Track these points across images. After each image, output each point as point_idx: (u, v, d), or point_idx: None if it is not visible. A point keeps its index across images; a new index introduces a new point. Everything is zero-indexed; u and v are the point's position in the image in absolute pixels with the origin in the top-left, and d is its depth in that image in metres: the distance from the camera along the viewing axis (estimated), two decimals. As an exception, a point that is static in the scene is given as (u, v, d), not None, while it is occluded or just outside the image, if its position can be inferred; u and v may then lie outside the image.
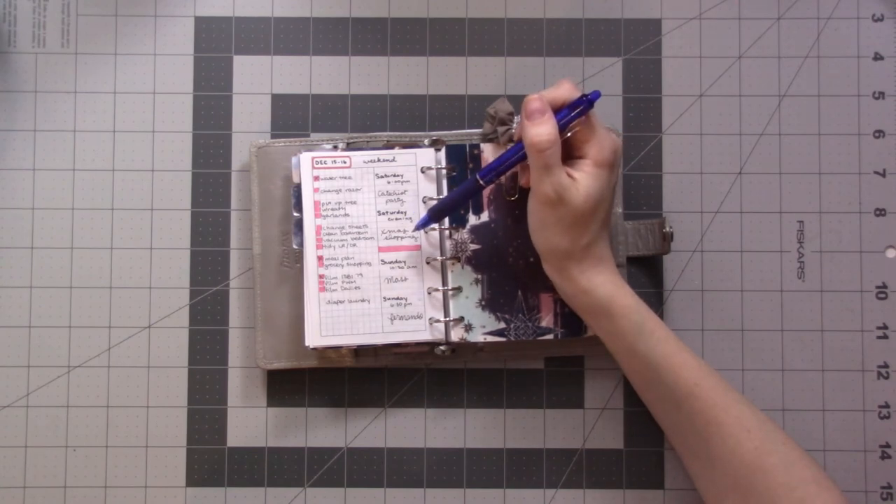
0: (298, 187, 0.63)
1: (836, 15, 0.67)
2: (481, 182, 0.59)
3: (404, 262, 0.63)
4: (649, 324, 0.58)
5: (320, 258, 0.63)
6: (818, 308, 0.65)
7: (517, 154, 0.58)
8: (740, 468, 0.55)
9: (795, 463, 0.55)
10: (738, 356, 0.65)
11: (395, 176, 0.63)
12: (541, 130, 0.56)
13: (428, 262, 0.63)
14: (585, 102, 0.57)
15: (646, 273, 0.66)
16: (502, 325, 0.63)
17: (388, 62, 0.67)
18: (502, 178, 0.62)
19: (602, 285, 0.58)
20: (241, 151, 0.66)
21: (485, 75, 0.67)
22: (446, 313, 0.63)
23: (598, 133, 0.57)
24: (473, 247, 0.63)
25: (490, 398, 0.65)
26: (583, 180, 0.56)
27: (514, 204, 0.63)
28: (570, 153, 0.58)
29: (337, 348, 0.63)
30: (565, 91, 0.58)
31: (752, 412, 0.57)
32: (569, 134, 0.57)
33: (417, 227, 0.62)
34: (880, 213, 0.66)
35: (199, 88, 0.66)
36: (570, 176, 0.57)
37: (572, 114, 0.57)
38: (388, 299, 0.63)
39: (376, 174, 0.63)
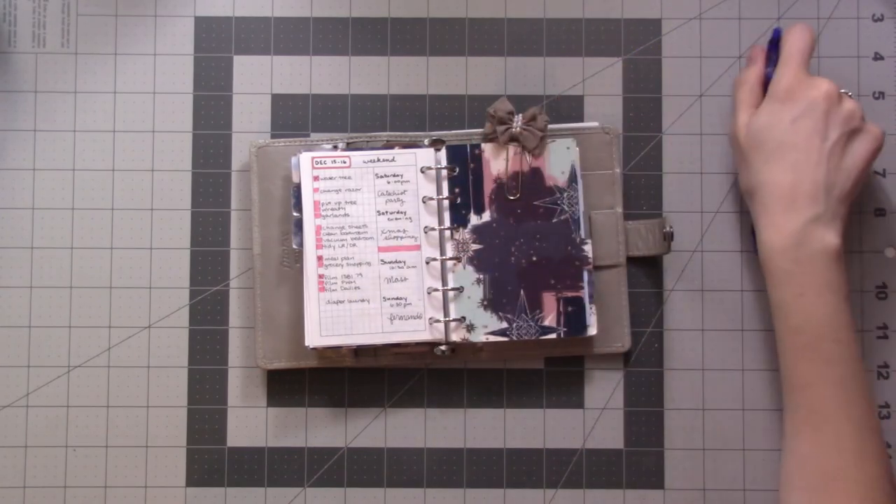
0: (298, 187, 0.63)
1: (836, 15, 0.67)
2: None
3: (404, 262, 0.63)
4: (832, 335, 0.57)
5: (320, 258, 0.62)
6: (818, 308, 0.65)
7: None
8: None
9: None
10: (738, 356, 0.65)
11: (394, 176, 0.63)
12: (744, 73, 0.63)
13: (428, 263, 0.63)
14: (769, 43, 0.63)
15: (646, 273, 0.66)
16: (504, 324, 0.63)
17: (388, 62, 0.67)
18: (504, 178, 0.62)
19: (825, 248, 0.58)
20: (241, 151, 0.66)
21: (485, 75, 0.67)
22: (446, 313, 0.63)
23: (780, 69, 0.60)
24: (475, 247, 0.63)
25: (490, 398, 0.65)
26: (757, 115, 0.60)
27: (516, 203, 0.63)
28: None
29: (337, 348, 0.63)
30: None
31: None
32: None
33: None
34: (880, 213, 0.66)
35: (199, 88, 0.66)
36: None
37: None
38: (388, 299, 0.62)
39: (376, 174, 0.63)
